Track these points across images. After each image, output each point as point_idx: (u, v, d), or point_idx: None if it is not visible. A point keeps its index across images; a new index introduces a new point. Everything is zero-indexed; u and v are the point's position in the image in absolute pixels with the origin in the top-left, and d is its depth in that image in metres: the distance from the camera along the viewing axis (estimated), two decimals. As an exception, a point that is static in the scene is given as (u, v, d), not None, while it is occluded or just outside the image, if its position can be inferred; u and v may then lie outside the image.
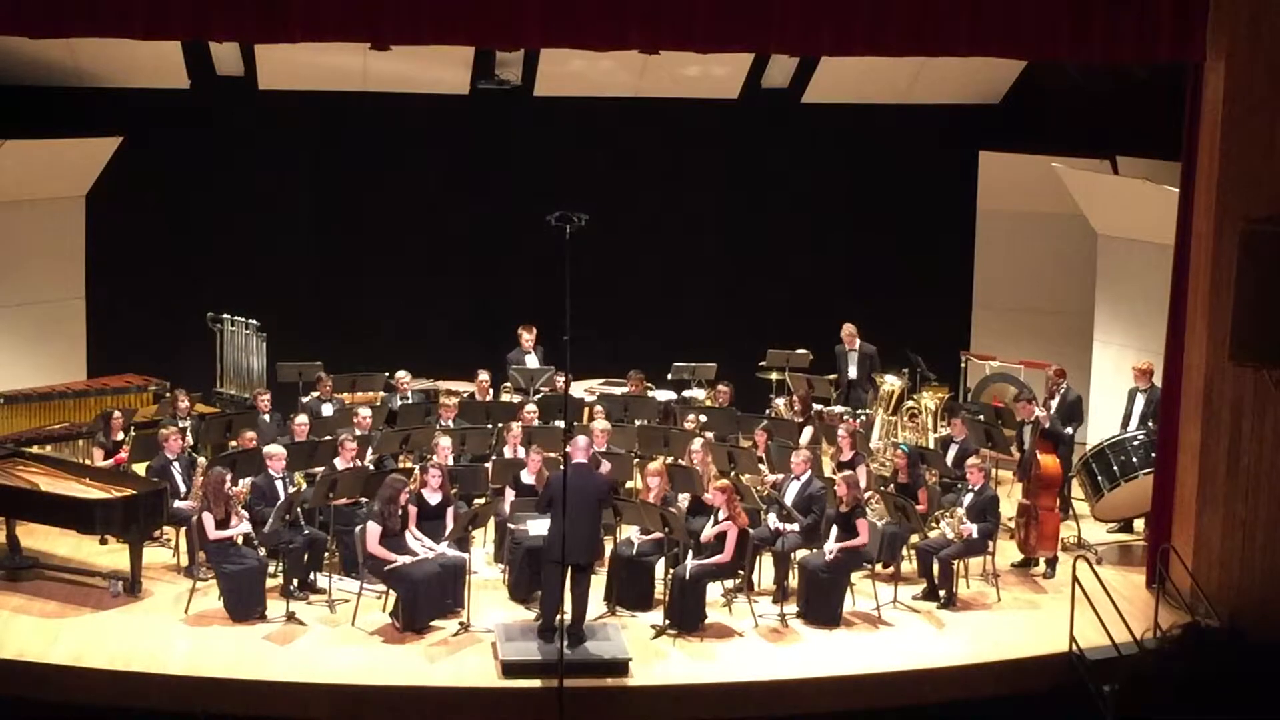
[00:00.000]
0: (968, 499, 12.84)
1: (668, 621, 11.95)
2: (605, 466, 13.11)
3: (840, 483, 12.44)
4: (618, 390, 15.88)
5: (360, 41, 13.34)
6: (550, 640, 11.24)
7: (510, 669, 11.11)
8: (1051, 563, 13.40)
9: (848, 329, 16.44)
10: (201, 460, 13.65)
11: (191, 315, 16.88)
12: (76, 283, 16.91)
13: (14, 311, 16.32)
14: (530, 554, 12.19)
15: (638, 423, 15.09)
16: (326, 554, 12.84)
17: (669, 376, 16.40)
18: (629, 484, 14.23)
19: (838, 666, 11.49)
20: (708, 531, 12.22)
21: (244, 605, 11.95)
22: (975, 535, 12.63)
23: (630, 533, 12.80)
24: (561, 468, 11.64)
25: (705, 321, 17.70)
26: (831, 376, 16.30)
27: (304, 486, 13.29)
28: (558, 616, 11.19)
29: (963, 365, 17.13)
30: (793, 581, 12.56)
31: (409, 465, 13.69)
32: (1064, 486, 13.86)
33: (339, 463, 13.09)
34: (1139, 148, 15.55)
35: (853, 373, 16.35)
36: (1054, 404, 14.43)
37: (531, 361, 16.09)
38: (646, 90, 17.01)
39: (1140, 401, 14.23)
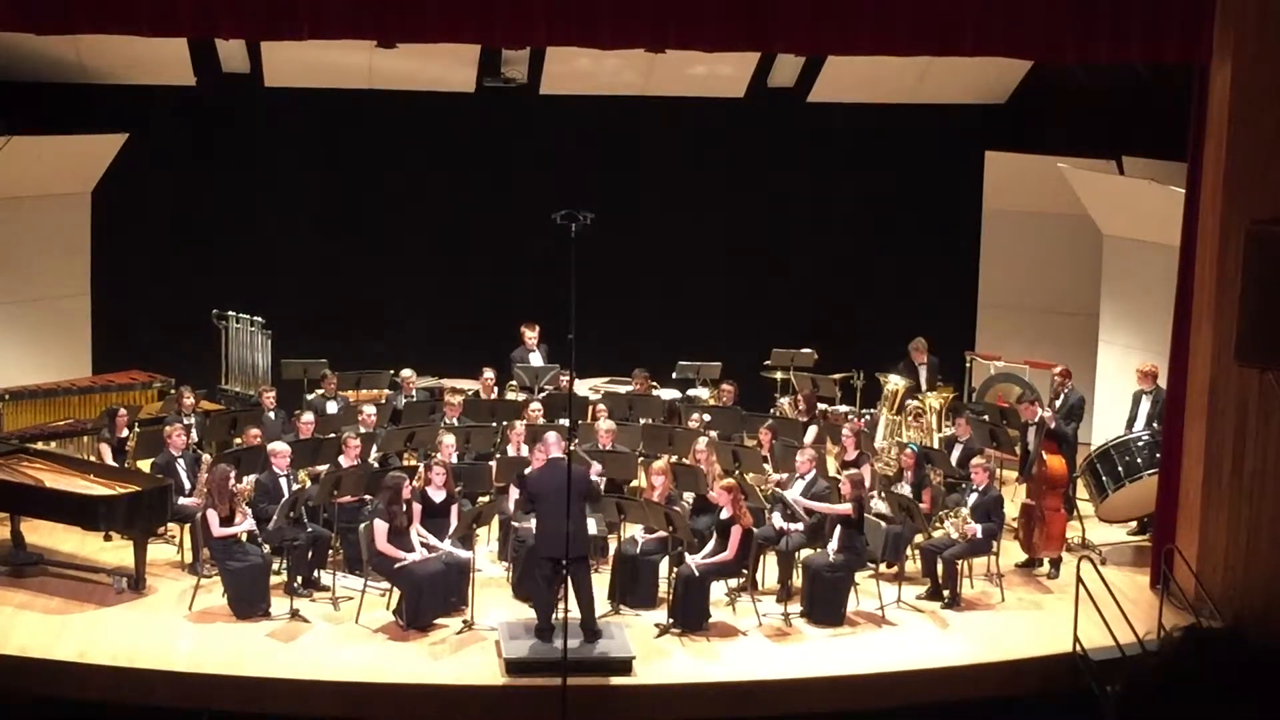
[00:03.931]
0: (972, 499, 12.84)
1: (671, 620, 11.95)
2: (596, 467, 13.18)
3: (844, 481, 12.44)
4: (622, 389, 15.89)
5: (366, 39, 13.40)
6: (548, 640, 11.24)
7: (513, 667, 11.11)
8: (1056, 563, 13.40)
9: (919, 344, 16.29)
10: (206, 457, 13.67)
11: (196, 312, 16.90)
12: (82, 279, 16.94)
13: (19, 308, 16.34)
14: (533, 552, 12.18)
15: (642, 421, 15.10)
16: (330, 551, 12.85)
17: (674, 375, 16.40)
18: (634, 483, 14.23)
19: (841, 666, 11.49)
20: (705, 548, 12.22)
21: (248, 602, 11.96)
22: (979, 535, 12.62)
23: (634, 531, 12.81)
24: (542, 466, 11.68)
25: (710, 320, 17.70)
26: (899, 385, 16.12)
27: (308, 484, 13.30)
28: (553, 617, 11.20)
29: (967, 365, 17.12)
30: (796, 581, 12.56)
31: (413, 463, 13.69)
32: (1069, 487, 13.85)
33: (343, 460, 13.09)
34: (1145, 148, 15.54)
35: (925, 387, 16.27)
36: (1058, 404, 14.42)
37: (535, 359, 16.09)
38: (652, 89, 17.01)
39: (1146, 404, 14.21)
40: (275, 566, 12.43)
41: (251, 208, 17.28)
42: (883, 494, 13.22)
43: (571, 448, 11.68)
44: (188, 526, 13.01)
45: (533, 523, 12.19)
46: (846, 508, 12.21)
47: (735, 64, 16.86)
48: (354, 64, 16.11)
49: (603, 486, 13.10)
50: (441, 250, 17.71)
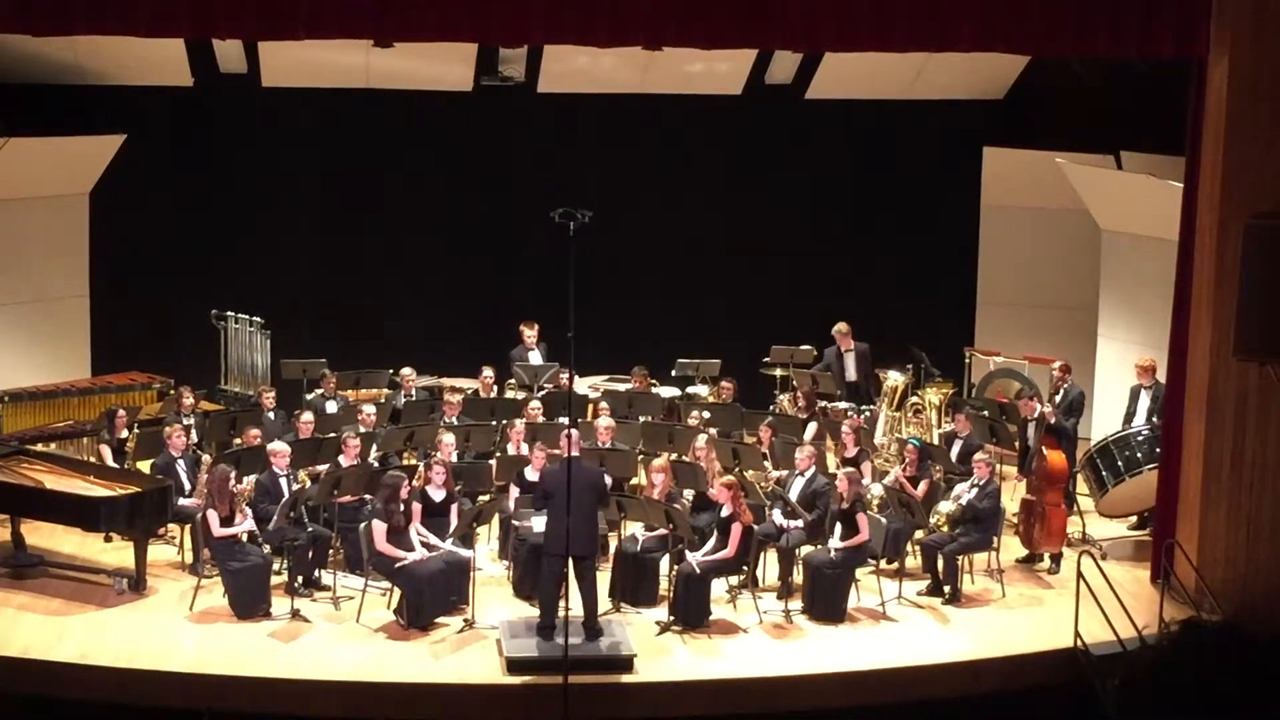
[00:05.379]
0: (973, 493, 12.83)
1: (672, 618, 11.95)
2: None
3: (841, 479, 12.44)
4: (622, 387, 15.88)
5: (364, 39, 13.37)
6: (549, 639, 11.24)
7: (515, 665, 11.11)
8: (1056, 558, 13.41)
9: (842, 328, 16.34)
10: (206, 458, 13.67)
11: (195, 312, 16.91)
12: (80, 280, 16.93)
13: (18, 309, 16.34)
14: (534, 550, 12.18)
15: (642, 419, 15.10)
16: (331, 551, 12.85)
17: (673, 373, 16.40)
18: (634, 480, 14.24)
19: (842, 662, 11.49)
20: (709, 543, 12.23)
21: (249, 602, 11.96)
22: (966, 499, 12.62)
23: (635, 529, 12.81)
24: (554, 464, 11.69)
25: (709, 318, 17.70)
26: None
27: (308, 484, 13.30)
28: (557, 615, 11.21)
29: (967, 361, 17.13)
30: (797, 578, 12.56)
31: (413, 462, 13.69)
32: (1069, 482, 13.86)
33: (343, 460, 13.09)
34: (1143, 143, 15.54)
35: (851, 374, 16.32)
36: (1058, 399, 14.43)
37: (534, 358, 16.10)
38: (650, 86, 17.00)
39: (1145, 398, 14.22)
40: (276, 566, 12.43)
41: (250, 208, 17.26)
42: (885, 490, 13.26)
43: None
44: (188, 527, 13.02)
45: (532, 522, 12.20)
46: (863, 536, 12.19)
47: (732, 61, 16.85)
48: (351, 63, 16.10)
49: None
50: (440, 249, 17.70)
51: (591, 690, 10.90)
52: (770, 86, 17.41)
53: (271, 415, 14.77)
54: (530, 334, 16.14)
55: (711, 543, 12.20)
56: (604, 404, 15.02)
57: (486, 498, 13.46)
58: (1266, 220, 11.80)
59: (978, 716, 11.49)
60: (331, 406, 15.09)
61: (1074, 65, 15.91)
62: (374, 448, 13.93)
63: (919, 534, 13.12)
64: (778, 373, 16.73)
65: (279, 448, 12.93)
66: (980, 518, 12.72)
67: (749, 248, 18.07)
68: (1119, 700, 10.94)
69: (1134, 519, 14.32)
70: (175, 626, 11.82)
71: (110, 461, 13.95)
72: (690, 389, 16.38)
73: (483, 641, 11.64)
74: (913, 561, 13.18)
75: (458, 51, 16.02)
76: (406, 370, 15.62)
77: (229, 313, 16.88)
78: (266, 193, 17.28)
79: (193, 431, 14.17)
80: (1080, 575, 11.72)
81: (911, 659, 11.59)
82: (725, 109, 17.50)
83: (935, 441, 15.03)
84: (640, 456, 14.31)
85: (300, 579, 12.40)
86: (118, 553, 13.20)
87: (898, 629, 12.13)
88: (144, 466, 13.72)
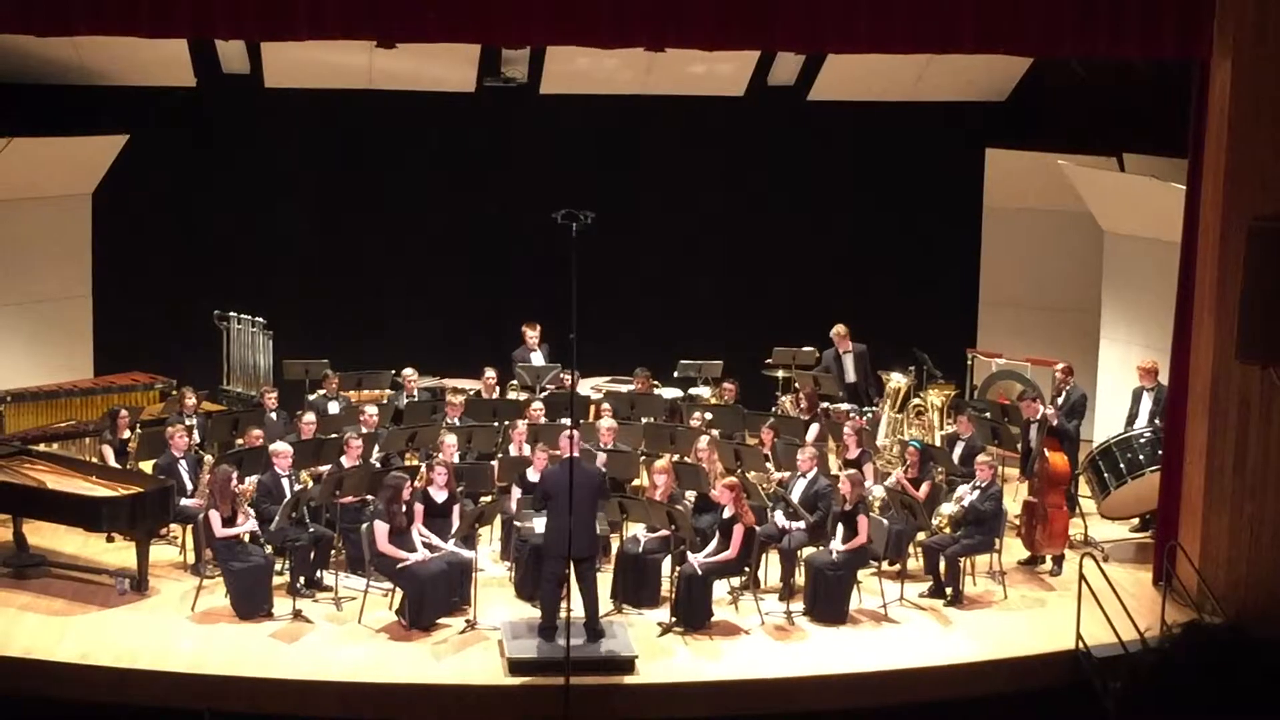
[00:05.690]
0: (975, 494, 12.82)
1: (674, 619, 11.95)
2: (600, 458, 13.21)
3: (844, 480, 12.43)
4: (624, 388, 15.88)
5: (366, 39, 13.38)
6: (551, 640, 11.24)
7: (516, 666, 11.11)
8: (1058, 560, 13.40)
9: (840, 330, 16.35)
10: (208, 458, 13.67)
11: (197, 313, 16.91)
12: (83, 280, 16.93)
13: (21, 309, 16.34)
14: (536, 551, 12.18)
15: (644, 420, 15.09)
16: (333, 551, 12.86)
17: (675, 374, 16.39)
18: (636, 481, 14.23)
19: (844, 664, 11.49)
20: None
21: (250, 603, 11.96)
22: (968, 501, 12.61)
23: (637, 530, 12.80)
24: (556, 465, 11.69)
25: (711, 319, 17.69)
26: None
27: (310, 484, 13.30)
28: (558, 616, 11.20)
29: (969, 362, 17.12)
30: (799, 579, 12.55)
31: (415, 463, 13.69)
32: (1071, 484, 13.85)
33: (345, 461, 13.09)
34: (1145, 145, 15.52)
35: (850, 376, 16.32)
36: (1060, 401, 14.42)
37: (536, 359, 16.10)
38: (652, 88, 16.99)
39: (1147, 400, 14.20)
40: (278, 567, 12.44)
41: (252, 208, 17.27)
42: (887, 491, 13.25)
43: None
44: (190, 527, 13.02)
45: (534, 523, 12.19)
46: (861, 539, 12.18)
47: (735, 62, 16.83)
48: (354, 64, 16.10)
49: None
50: (442, 250, 17.70)
51: (593, 691, 10.90)
52: (773, 88, 17.39)
53: (274, 416, 14.78)
54: (532, 335, 16.13)
55: (713, 544, 12.19)
56: (606, 405, 15.02)
57: (488, 499, 13.45)
58: (1269, 222, 11.78)
59: (979, 718, 11.48)
60: (333, 407, 15.09)
61: (1076, 67, 15.90)
62: (376, 448, 13.92)
63: (921, 536, 13.11)
64: (780, 374, 16.72)
65: (281, 448, 12.94)
66: (982, 519, 12.72)
67: (751, 249, 18.05)
68: (1120, 702, 10.88)
69: (1136, 521, 14.30)
70: (177, 627, 11.82)
71: (112, 462, 13.96)
72: (692, 390, 16.37)
73: (484, 642, 11.64)
74: (914, 563, 13.15)
75: (460, 52, 16.01)
76: (408, 371, 15.62)
77: (231, 313, 16.88)
78: (269, 193, 17.28)
79: (195, 432, 14.16)
80: (1082, 577, 11.70)
81: (913, 661, 11.59)
82: (727, 110, 17.48)
83: (937, 443, 15.03)
84: (642, 458, 14.31)
85: (302, 579, 12.40)
86: (120, 553, 13.20)
87: (899, 631, 12.13)
88: (146, 467, 13.73)
